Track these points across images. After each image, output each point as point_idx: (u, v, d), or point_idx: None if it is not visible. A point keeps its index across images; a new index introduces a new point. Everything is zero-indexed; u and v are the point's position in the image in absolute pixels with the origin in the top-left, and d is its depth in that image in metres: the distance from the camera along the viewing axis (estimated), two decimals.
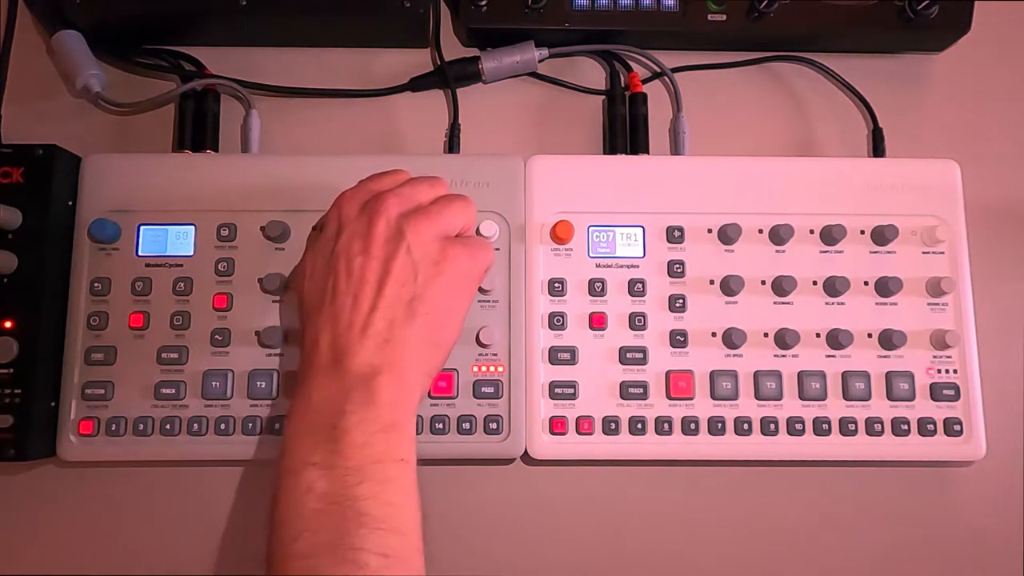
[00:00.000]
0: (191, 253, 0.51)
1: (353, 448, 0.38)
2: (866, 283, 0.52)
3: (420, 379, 0.43)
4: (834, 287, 0.51)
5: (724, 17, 0.55)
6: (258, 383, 0.49)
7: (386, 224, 0.42)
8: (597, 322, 0.51)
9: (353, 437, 0.38)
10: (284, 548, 0.37)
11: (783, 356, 0.51)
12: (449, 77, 0.57)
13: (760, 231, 0.52)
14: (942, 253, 0.52)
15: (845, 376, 0.51)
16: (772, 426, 0.50)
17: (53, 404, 0.49)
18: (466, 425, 0.49)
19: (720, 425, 0.50)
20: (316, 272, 0.43)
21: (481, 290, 0.50)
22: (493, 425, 0.49)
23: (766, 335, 0.51)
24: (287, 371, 0.50)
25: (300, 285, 0.45)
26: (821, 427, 0.50)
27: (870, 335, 0.51)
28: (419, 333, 0.42)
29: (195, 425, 0.49)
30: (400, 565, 0.37)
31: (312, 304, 0.43)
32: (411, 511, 0.39)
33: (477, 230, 0.51)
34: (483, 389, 0.50)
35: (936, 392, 0.50)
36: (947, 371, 0.51)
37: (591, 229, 0.52)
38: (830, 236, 0.51)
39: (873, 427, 0.50)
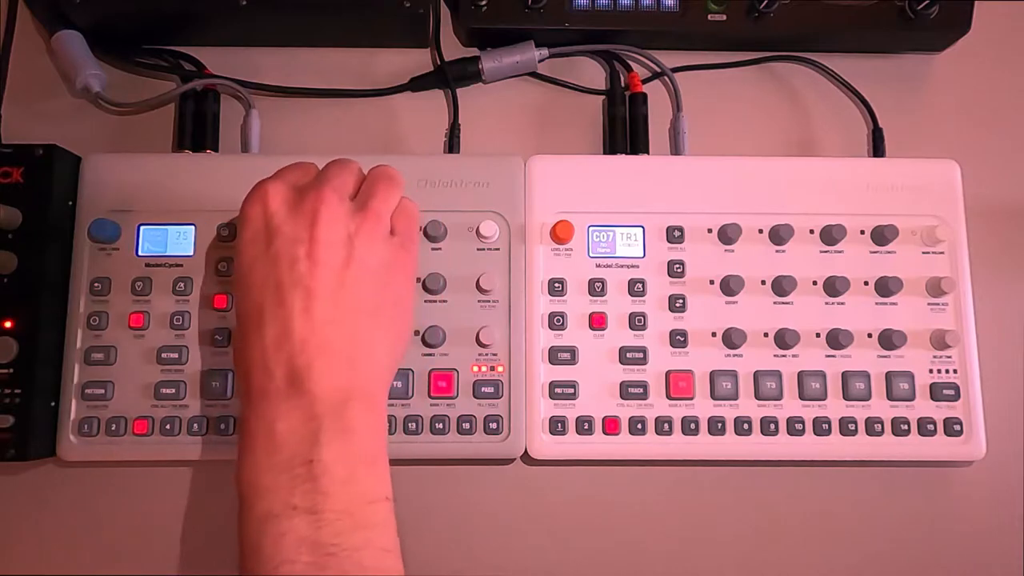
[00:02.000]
0: (191, 253, 0.51)
1: (337, 486, 0.35)
2: (866, 283, 0.52)
3: (385, 398, 0.40)
4: (834, 287, 0.51)
5: (724, 17, 0.55)
6: None
7: (329, 226, 0.38)
8: (597, 322, 0.51)
9: (335, 473, 0.35)
10: None
11: (783, 356, 0.51)
12: (449, 77, 0.56)
13: (760, 231, 0.52)
14: (942, 253, 0.52)
15: (845, 376, 0.51)
16: (772, 426, 0.50)
17: (53, 404, 0.49)
18: (466, 425, 0.49)
19: (720, 425, 0.50)
20: (252, 281, 0.38)
21: (481, 290, 0.50)
22: (493, 425, 0.49)
23: (766, 335, 0.51)
24: None
25: (237, 300, 0.40)
26: (821, 427, 0.50)
27: (870, 335, 0.51)
28: (383, 344, 0.40)
29: (195, 425, 0.49)
30: None
31: (252, 318, 0.38)
32: (399, 555, 0.36)
33: (477, 230, 0.51)
34: (483, 389, 0.50)
35: (936, 392, 0.50)
36: (947, 371, 0.51)
37: (591, 229, 0.52)
38: (830, 236, 0.51)
39: (873, 427, 0.50)
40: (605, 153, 0.57)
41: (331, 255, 0.38)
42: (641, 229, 0.52)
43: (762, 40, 0.58)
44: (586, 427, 0.50)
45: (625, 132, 0.56)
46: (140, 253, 0.51)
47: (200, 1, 0.53)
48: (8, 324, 0.48)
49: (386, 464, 0.38)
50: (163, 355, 0.50)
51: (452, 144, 0.56)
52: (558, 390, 0.50)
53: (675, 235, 0.52)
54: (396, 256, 0.41)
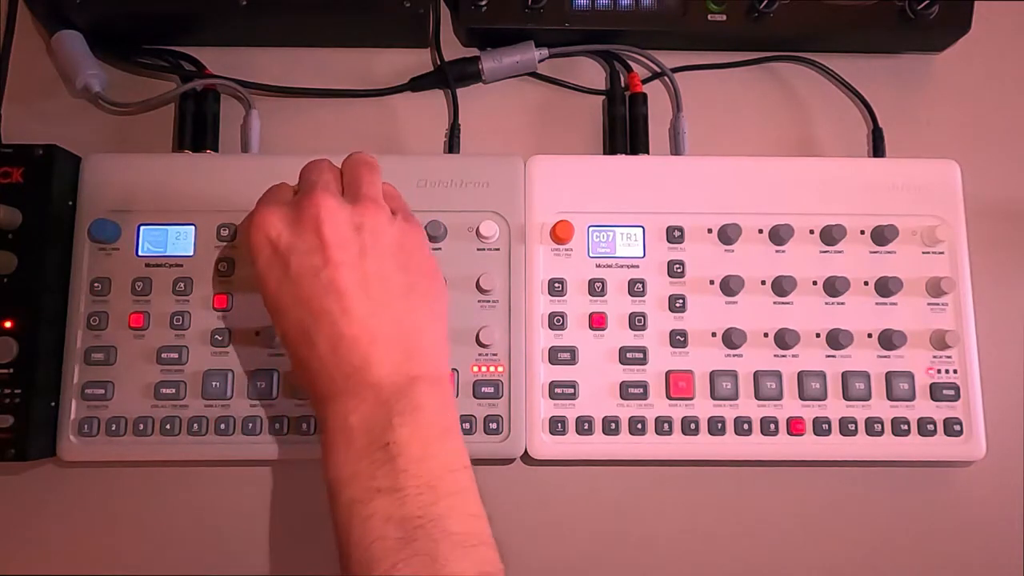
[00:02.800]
0: (191, 253, 0.51)
1: (415, 463, 0.36)
2: (866, 283, 0.52)
3: (447, 371, 0.41)
4: (834, 287, 0.51)
5: (724, 17, 0.55)
6: (258, 383, 0.49)
7: (334, 227, 0.38)
8: (597, 322, 0.51)
9: (412, 451, 0.36)
10: None
11: (783, 356, 0.51)
12: (449, 77, 0.56)
13: (760, 231, 0.52)
14: (942, 253, 0.52)
15: (845, 376, 0.51)
16: (772, 426, 0.50)
17: (53, 404, 0.49)
18: (466, 425, 0.49)
19: (720, 425, 0.50)
20: (285, 304, 0.39)
21: (481, 290, 0.50)
22: (493, 425, 0.49)
23: (766, 335, 0.51)
24: (287, 371, 0.50)
25: (277, 326, 0.41)
26: (821, 427, 0.50)
27: (870, 335, 0.51)
28: (426, 318, 0.40)
29: (195, 425, 0.49)
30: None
31: (298, 337, 0.39)
32: (486, 520, 0.37)
33: (477, 230, 0.51)
34: (483, 389, 0.50)
35: (936, 392, 0.50)
36: (947, 371, 0.51)
37: (591, 229, 0.52)
38: (830, 236, 0.51)
39: (873, 427, 0.50)
40: (605, 153, 0.57)
41: (346, 253, 0.38)
42: (641, 229, 0.52)
43: (762, 40, 0.58)
44: (586, 427, 0.50)
45: (625, 132, 0.56)
46: (140, 253, 0.51)
47: (200, 1, 0.53)
48: (8, 324, 0.48)
49: (459, 435, 0.39)
50: (163, 355, 0.50)
51: (452, 144, 0.56)
52: (558, 390, 0.50)
53: (675, 235, 0.52)
54: (405, 232, 0.41)
